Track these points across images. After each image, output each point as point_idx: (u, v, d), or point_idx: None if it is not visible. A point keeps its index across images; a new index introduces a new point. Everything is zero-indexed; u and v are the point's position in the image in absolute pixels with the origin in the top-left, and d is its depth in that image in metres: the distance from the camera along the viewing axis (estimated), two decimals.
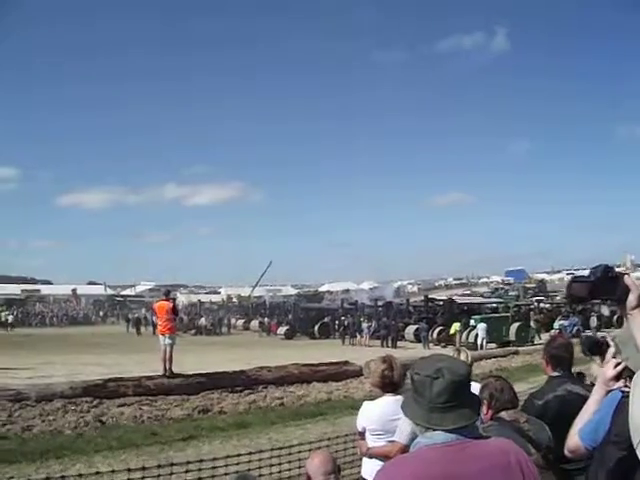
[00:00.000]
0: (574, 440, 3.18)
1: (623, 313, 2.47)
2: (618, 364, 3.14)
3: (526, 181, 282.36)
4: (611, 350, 3.39)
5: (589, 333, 34.05)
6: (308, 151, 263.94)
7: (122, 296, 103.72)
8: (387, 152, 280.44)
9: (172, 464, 6.12)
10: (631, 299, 2.41)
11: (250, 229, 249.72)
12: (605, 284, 2.47)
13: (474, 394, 2.64)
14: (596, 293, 2.50)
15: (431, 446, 2.30)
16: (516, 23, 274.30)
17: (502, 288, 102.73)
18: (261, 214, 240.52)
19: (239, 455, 6.39)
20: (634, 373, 2.93)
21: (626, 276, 2.49)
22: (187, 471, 5.98)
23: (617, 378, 3.14)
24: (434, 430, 2.31)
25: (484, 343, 36.67)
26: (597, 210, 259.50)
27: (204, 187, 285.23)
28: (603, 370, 3.27)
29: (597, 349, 3.62)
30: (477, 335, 37.65)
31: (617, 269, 2.63)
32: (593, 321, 45.72)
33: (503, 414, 4.05)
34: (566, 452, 3.29)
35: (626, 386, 3.06)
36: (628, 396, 2.85)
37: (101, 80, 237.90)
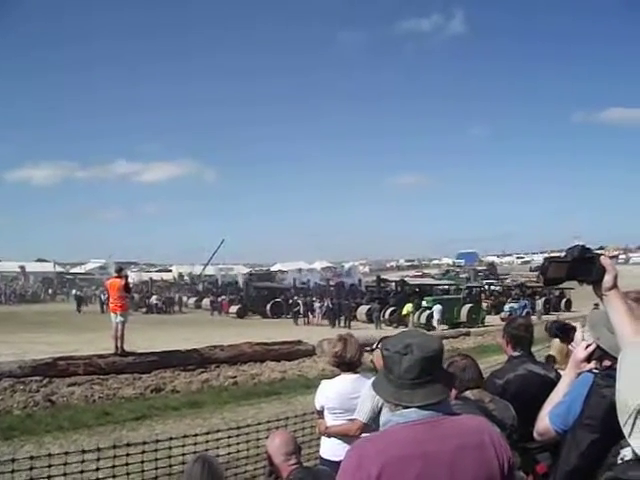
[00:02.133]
0: (544, 423, 3.15)
1: (598, 294, 2.43)
2: (589, 345, 3.14)
3: (480, 165, 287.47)
4: (579, 333, 3.39)
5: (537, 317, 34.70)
6: (263, 132, 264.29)
7: (71, 274, 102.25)
8: (343, 133, 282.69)
9: (128, 444, 6.00)
10: (607, 280, 2.37)
11: (202, 207, 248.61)
12: (582, 265, 2.43)
13: (446, 370, 2.61)
14: (572, 274, 2.46)
15: (403, 424, 2.26)
16: (474, 6, 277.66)
17: (453, 270, 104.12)
18: (213, 193, 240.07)
19: (196, 435, 6.28)
20: (605, 354, 2.94)
21: (602, 257, 2.45)
22: (143, 452, 5.86)
23: (588, 360, 3.14)
24: (404, 407, 2.27)
25: (438, 324, 37.23)
26: (549, 196, 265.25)
27: (155, 164, 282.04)
28: (574, 352, 3.26)
29: (564, 333, 3.61)
30: (432, 316, 38.29)
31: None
32: (539, 304, 46.57)
33: (468, 393, 4.03)
34: (535, 435, 3.27)
35: (597, 368, 3.06)
36: (600, 378, 2.86)
37: (57, 59, 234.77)
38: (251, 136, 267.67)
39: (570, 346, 3.54)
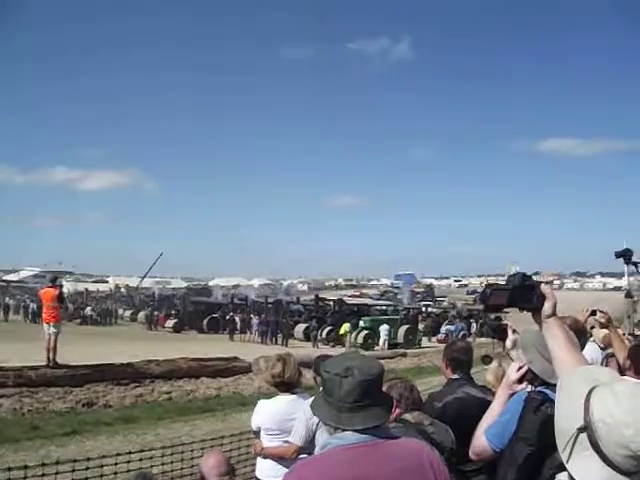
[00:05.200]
0: (481, 442, 3.23)
1: (538, 321, 2.45)
2: (521, 367, 3.26)
3: (420, 190, 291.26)
4: (510, 338, 3.48)
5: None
6: (205, 147, 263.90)
7: (4, 281, 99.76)
8: (286, 151, 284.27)
9: (57, 462, 5.81)
10: (547, 307, 2.38)
11: (142, 218, 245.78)
12: (522, 292, 2.43)
13: (386, 394, 2.59)
14: (513, 301, 2.46)
15: (342, 446, 2.24)
16: (420, 32, 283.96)
17: (391, 291, 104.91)
18: (154, 204, 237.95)
19: (129, 453, 6.12)
20: (536, 376, 3.11)
21: (543, 284, 2.47)
22: (74, 470, 5.66)
23: (520, 381, 3.27)
24: (343, 430, 2.25)
25: (384, 344, 37.54)
26: (486, 221, 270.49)
27: (96, 172, 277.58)
28: (507, 373, 3.37)
29: (500, 333, 3.71)
30: (370, 336, 39.10)
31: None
32: (473, 327, 47.22)
33: (407, 416, 4.01)
34: (471, 455, 3.36)
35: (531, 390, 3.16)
36: (534, 393, 3.03)
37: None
38: (193, 150, 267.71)
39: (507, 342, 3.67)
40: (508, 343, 3.62)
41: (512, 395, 3.27)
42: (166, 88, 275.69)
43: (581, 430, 1.76)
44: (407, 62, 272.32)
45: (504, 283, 2.53)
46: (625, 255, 7.20)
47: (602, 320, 5.88)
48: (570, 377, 2.01)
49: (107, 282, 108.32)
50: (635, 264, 7.35)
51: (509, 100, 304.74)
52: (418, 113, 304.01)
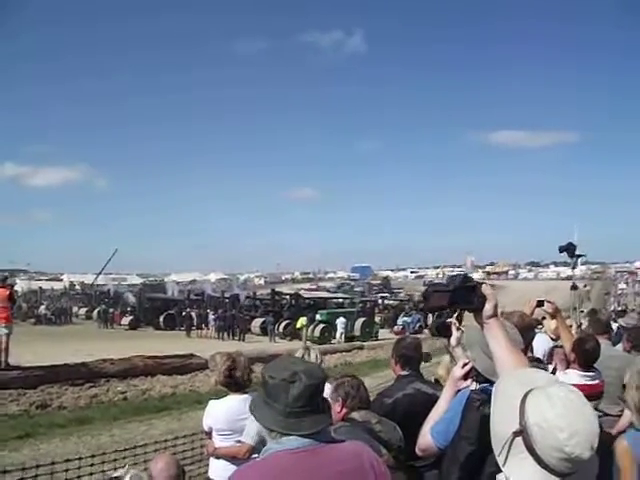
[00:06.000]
0: (426, 439, 3.24)
1: (479, 322, 2.49)
2: (466, 364, 3.29)
3: (374, 182, 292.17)
4: (454, 335, 3.53)
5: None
6: (157, 148, 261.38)
7: None
8: (242, 145, 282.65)
9: (5, 471, 5.67)
10: (487, 308, 2.43)
11: (95, 214, 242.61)
12: (463, 293, 2.47)
13: (325, 398, 2.60)
14: (454, 302, 2.50)
15: (283, 451, 2.25)
16: (373, 25, 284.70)
17: (348, 284, 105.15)
18: (107, 200, 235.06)
19: (80, 459, 6.00)
20: (480, 374, 3.10)
21: (484, 285, 2.51)
22: (22, 478, 5.55)
23: (465, 377, 3.28)
24: (289, 435, 2.26)
25: (341, 337, 37.87)
26: (441, 212, 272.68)
27: (46, 168, 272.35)
28: (453, 370, 3.41)
29: (444, 331, 3.76)
30: (327, 329, 39.16)
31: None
32: (430, 319, 47.61)
33: (355, 415, 4.03)
34: (418, 451, 3.37)
35: (475, 387, 3.18)
36: (474, 393, 3.01)
37: None
38: (147, 147, 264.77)
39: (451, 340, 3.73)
40: (452, 340, 3.67)
41: (458, 392, 3.28)
42: (117, 86, 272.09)
43: (516, 434, 1.81)
44: (360, 55, 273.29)
45: (445, 284, 2.57)
46: (568, 249, 7.32)
47: (549, 311, 5.96)
48: (506, 380, 2.05)
49: (61, 280, 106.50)
50: (578, 256, 7.48)
51: (462, 91, 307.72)
52: (372, 105, 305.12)
